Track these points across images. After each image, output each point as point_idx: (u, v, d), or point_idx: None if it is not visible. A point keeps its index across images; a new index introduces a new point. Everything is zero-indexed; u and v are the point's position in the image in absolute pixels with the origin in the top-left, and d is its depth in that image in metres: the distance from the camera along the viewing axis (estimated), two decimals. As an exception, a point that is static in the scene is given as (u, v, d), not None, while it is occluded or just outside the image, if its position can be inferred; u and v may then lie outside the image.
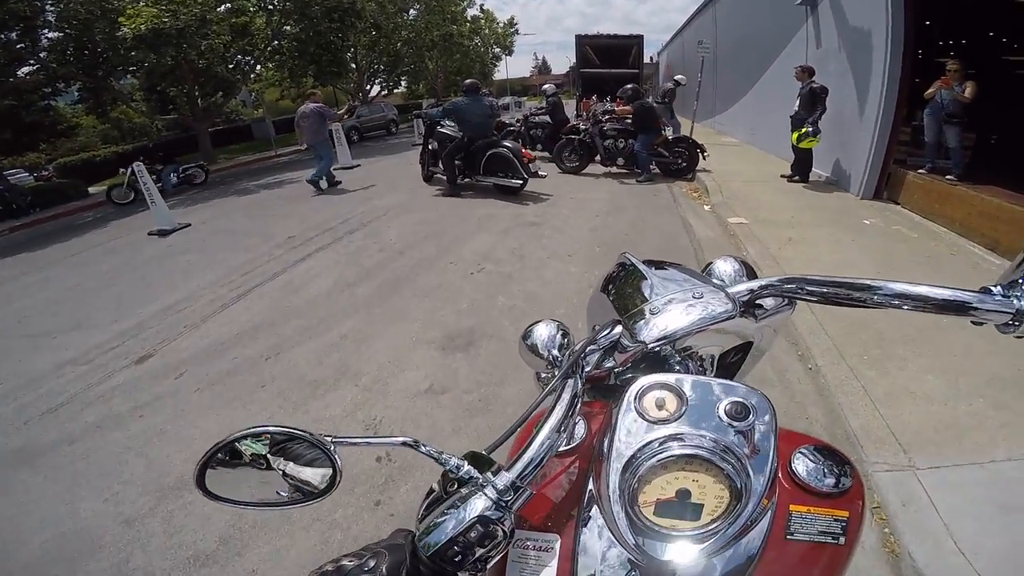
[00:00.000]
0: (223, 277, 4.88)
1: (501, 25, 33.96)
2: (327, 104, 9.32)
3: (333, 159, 8.82)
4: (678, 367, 0.65)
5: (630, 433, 0.50)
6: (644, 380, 0.53)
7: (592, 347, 0.61)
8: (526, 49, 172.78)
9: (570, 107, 21.81)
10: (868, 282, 0.57)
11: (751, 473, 0.47)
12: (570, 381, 0.56)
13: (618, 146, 7.70)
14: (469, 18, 28.97)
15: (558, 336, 0.79)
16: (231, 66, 16.34)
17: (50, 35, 12.67)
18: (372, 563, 0.43)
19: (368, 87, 24.57)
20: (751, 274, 0.77)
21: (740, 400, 0.50)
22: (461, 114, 6.62)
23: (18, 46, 12.02)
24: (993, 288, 0.53)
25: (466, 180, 7.14)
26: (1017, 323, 0.51)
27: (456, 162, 6.94)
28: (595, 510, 0.51)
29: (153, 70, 14.54)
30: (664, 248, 4.46)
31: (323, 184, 8.61)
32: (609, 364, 0.63)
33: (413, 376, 2.89)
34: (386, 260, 4.67)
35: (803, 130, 5.90)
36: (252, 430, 0.49)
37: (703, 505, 0.47)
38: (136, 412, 2.84)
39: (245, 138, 24.27)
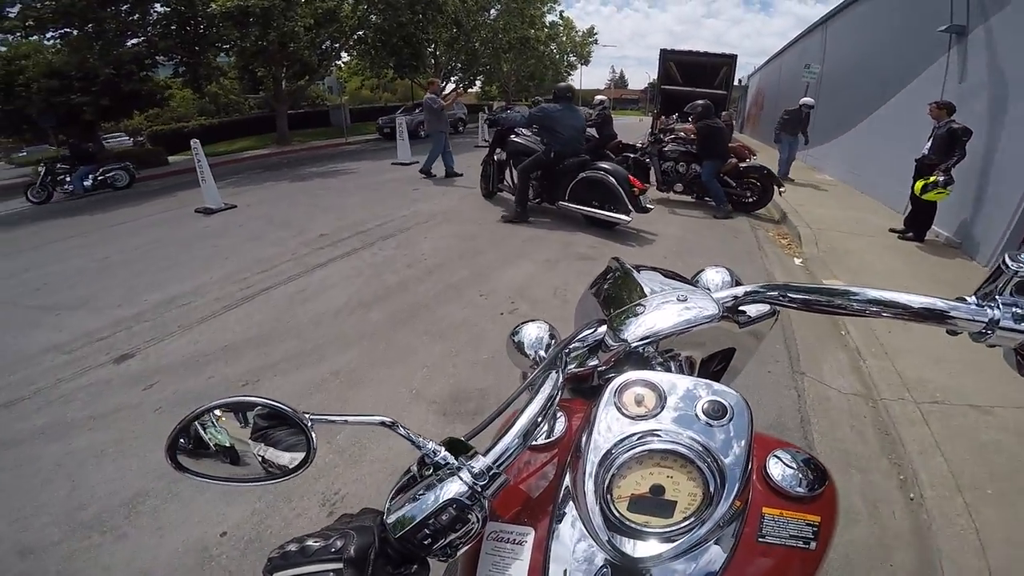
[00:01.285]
0: (240, 271, 4.49)
1: (580, 34, 33.12)
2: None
3: (439, 151, 8.38)
4: (660, 369, 0.60)
5: (608, 427, 0.49)
6: (625, 376, 0.53)
7: (576, 344, 0.62)
8: (603, 61, 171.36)
9: (642, 124, 20.79)
10: (848, 288, 0.57)
11: (725, 473, 0.46)
12: (552, 374, 0.55)
13: (678, 170, 6.73)
14: (547, 23, 28.38)
15: (546, 337, 0.77)
16: (320, 52, 16.60)
17: (159, 9, 13.26)
18: (339, 543, 0.41)
19: (444, 84, 24.63)
20: (739, 284, 0.74)
21: (718, 400, 0.50)
22: (552, 124, 5.24)
23: (130, 18, 12.56)
24: (968, 298, 0.53)
25: (541, 203, 5.82)
26: (989, 332, 0.51)
27: (532, 181, 5.65)
28: (570, 505, 0.50)
29: (244, 50, 14.99)
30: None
31: (435, 172, 8.46)
32: (593, 363, 0.63)
33: (399, 445, 2.25)
34: (410, 280, 4.07)
35: (932, 179, 4.77)
36: (230, 399, 0.48)
37: (676, 503, 0.46)
38: (88, 423, 2.51)
39: (323, 123, 24.84)
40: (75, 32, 12.26)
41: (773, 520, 0.49)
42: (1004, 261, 0.53)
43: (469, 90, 27.65)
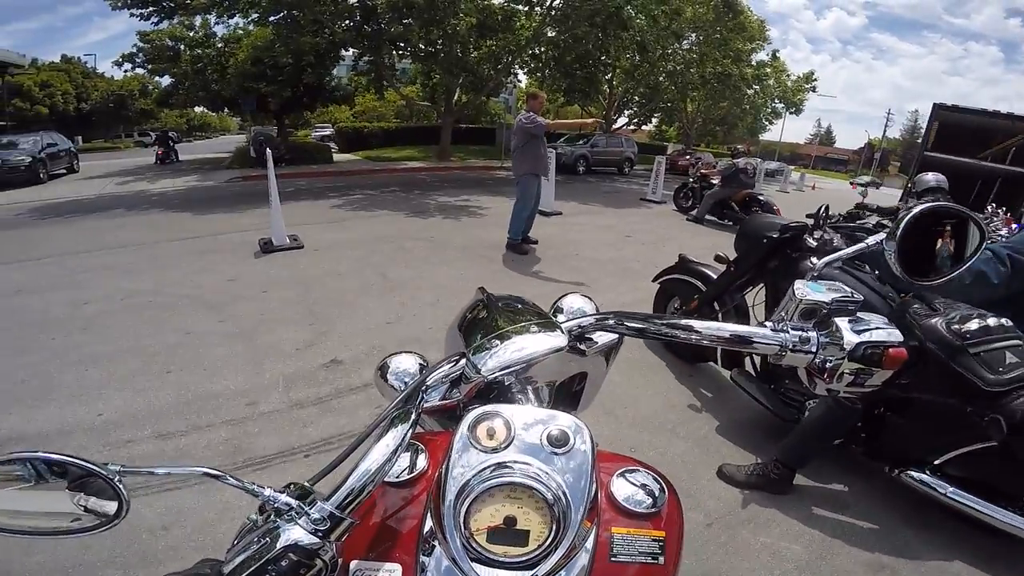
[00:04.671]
0: (146, 417, 2.24)
1: (793, 78, 27.37)
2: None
3: (530, 207, 5.12)
4: (520, 396, 0.63)
5: (464, 461, 0.48)
6: (478, 410, 0.52)
7: (436, 378, 0.60)
8: (807, 113, 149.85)
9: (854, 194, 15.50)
10: (675, 320, 0.62)
11: (570, 498, 0.46)
12: (407, 410, 0.52)
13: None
14: (754, 63, 23.28)
15: (414, 369, 0.73)
16: (499, 65, 15.05)
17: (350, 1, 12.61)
18: None
19: (615, 116, 21.79)
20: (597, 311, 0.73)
21: (561, 428, 0.50)
22: None
23: (318, 6, 12.00)
24: (766, 324, 0.60)
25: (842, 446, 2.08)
26: (783, 353, 0.57)
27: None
28: (436, 540, 0.48)
29: (417, 52, 14.02)
30: None
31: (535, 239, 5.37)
32: (457, 395, 0.62)
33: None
34: None
35: None
36: (25, 454, 0.44)
37: (529, 532, 0.45)
38: None
39: (491, 140, 23.62)
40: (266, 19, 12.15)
41: (622, 539, 0.50)
42: (793, 289, 0.59)
43: (643, 127, 24.39)
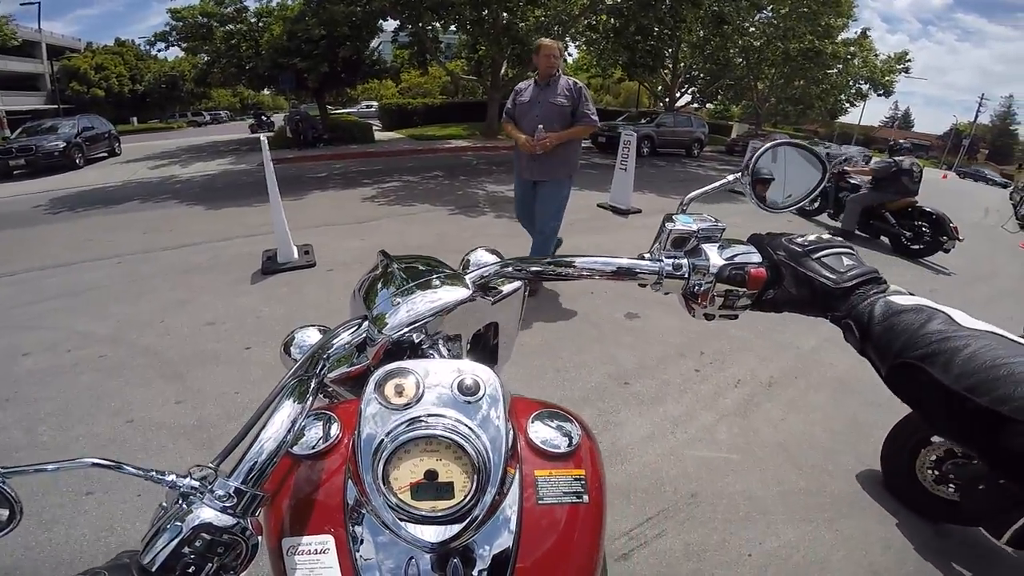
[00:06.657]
0: None
1: (882, 58, 23.88)
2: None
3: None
4: (432, 353, 0.58)
5: (375, 423, 0.46)
6: (382, 369, 0.49)
7: (338, 344, 0.55)
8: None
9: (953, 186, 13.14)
10: (567, 258, 0.61)
11: (488, 444, 0.45)
12: (307, 379, 0.48)
13: None
14: (839, 40, 20.40)
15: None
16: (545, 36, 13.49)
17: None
18: None
19: (678, 94, 19.61)
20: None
21: (471, 376, 0.48)
22: None
23: None
24: (646, 255, 0.61)
25: None
26: (660, 282, 0.59)
27: None
28: (362, 506, 0.46)
29: (463, 20, 12.69)
30: None
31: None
32: (365, 360, 0.59)
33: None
34: None
35: None
36: None
37: (453, 483, 0.44)
38: None
39: (537, 118, 21.82)
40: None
41: (545, 480, 0.50)
42: (664, 221, 0.61)
43: (707, 105, 21.97)
